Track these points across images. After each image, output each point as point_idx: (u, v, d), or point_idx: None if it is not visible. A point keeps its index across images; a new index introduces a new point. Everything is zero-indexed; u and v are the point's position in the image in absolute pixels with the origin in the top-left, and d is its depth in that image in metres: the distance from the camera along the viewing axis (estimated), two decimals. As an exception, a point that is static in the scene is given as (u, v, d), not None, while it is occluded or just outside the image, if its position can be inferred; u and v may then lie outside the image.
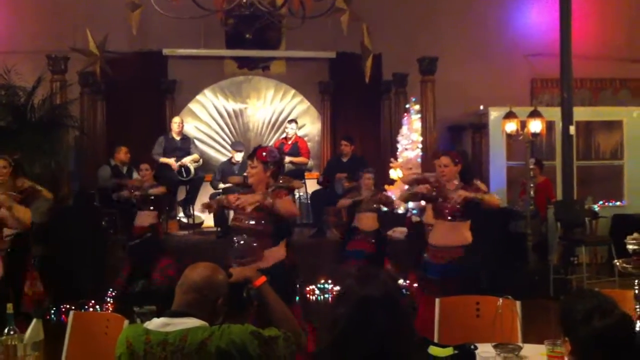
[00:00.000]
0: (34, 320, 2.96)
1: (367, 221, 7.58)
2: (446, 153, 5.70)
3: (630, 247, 3.01)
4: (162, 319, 2.44)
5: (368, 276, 1.99)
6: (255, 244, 4.77)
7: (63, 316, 6.53)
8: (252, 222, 4.81)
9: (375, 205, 7.66)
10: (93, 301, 6.96)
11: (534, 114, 8.56)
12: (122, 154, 9.10)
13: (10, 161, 5.68)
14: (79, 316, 3.84)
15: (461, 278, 5.17)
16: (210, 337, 2.35)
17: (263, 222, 4.77)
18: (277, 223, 4.83)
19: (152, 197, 7.38)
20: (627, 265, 3.01)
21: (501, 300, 3.62)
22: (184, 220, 9.48)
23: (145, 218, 7.42)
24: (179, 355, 2.34)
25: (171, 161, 9.11)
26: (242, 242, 4.83)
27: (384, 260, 7.42)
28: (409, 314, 1.97)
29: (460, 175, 5.48)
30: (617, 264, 3.08)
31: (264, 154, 4.87)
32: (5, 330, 2.94)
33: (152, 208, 7.42)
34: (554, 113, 9.48)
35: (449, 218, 5.40)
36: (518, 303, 3.66)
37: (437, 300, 3.87)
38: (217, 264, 2.61)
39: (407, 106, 10.33)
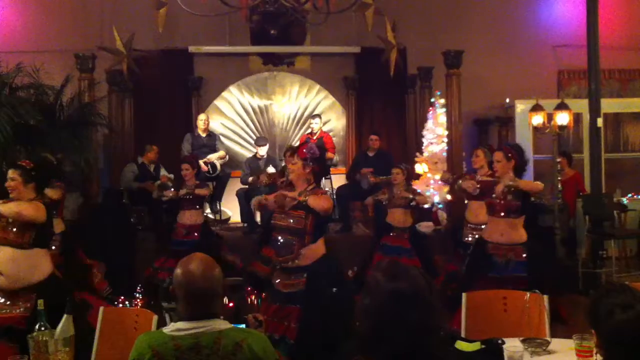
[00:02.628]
0: (64, 316, 2.99)
1: (399, 217, 7.48)
2: (500, 148, 5.66)
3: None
4: (185, 323, 2.44)
5: (397, 271, 2.00)
6: (294, 243, 4.87)
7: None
8: (291, 221, 4.88)
9: (404, 201, 7.49)
10: (122, 297, 7.04)
11: (561, 107, 8.48)
12: (154, 153, 9.16)
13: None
14: (109, 312, 3.89)
15: (524, 278, 5.12)
16: (244, 339, 2.42)
17: (302, 220, 4.84)
18: (316, 220, 4.88)
19: (190, 196, 7.45)
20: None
21: (529, 295, 3.60)
22: (211, 216, 9.54)
23: (192, 216, 7.48)
24: (215, 358, 2.38)
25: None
26: (282, 240, 4.92)
27: (421, 257, 7.23)
28: (439, 309, 1.97)
29: (515, 171, 5.39)
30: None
31: (304, 150, 4.93)
32: (36, 327, 3.00)
33: (197, 207, 7.52)
34: (582, 105, 9.36)
35: (502, 214, 5.38)
36: (546, 297, 3.64)
37: (463, 295, 3.86)
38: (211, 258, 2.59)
39: (433, 100, 10.27)
